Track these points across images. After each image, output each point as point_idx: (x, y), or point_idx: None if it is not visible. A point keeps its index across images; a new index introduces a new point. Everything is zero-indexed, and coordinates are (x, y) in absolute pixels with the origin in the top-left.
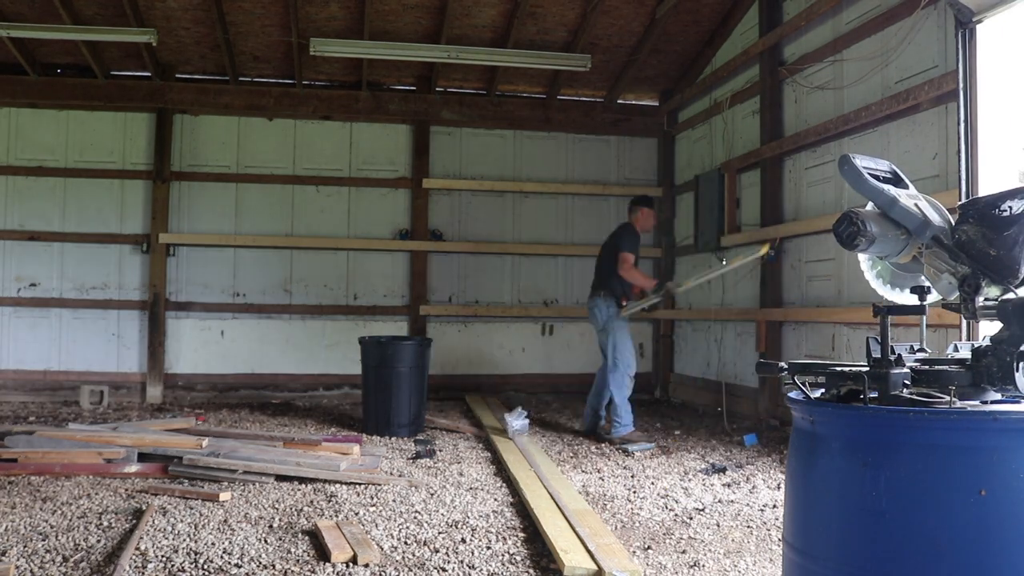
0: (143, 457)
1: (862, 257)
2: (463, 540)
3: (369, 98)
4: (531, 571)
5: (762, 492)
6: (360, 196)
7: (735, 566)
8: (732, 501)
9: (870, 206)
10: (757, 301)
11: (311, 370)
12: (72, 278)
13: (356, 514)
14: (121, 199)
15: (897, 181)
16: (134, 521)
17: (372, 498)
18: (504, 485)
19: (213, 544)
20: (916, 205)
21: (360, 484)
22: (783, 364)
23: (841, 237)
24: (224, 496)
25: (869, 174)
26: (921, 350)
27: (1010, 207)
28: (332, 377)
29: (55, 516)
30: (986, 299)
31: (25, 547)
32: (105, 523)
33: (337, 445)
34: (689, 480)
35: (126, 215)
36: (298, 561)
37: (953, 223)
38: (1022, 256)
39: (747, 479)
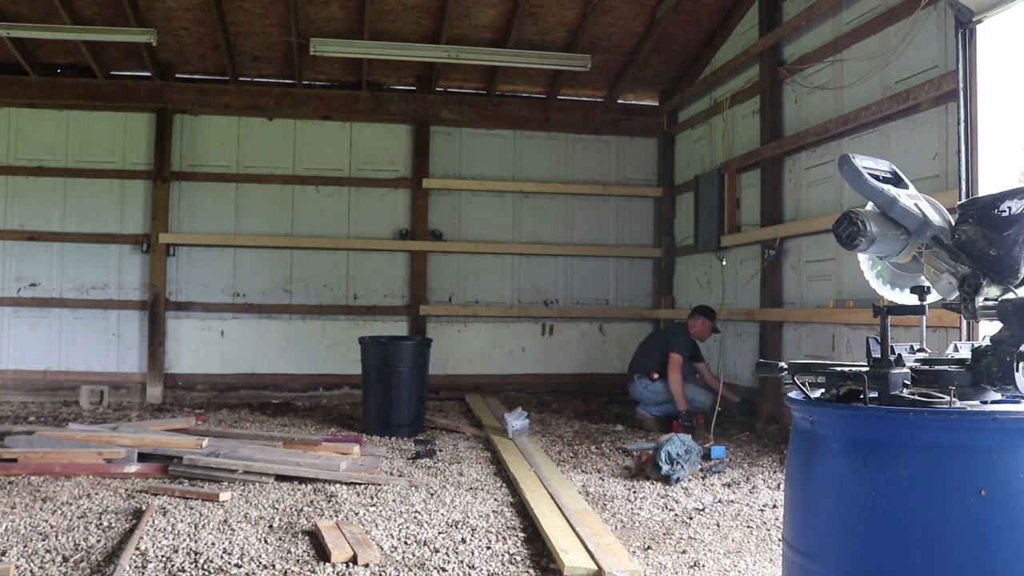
0: (143, 457)
1: (862, 257)
2: (463, 540)
3: (369, 98)
4: (531, 571)
5: (762, 492)
6: (360, 196)
7: (735, 566)
8: (732, 501)
9: (870, 206)
10: (757, 301)
11: (311, 370)
12: (72, 278)
13: (356, 514)
14: (121, 199)
15: (897, 181)
16: (134, 521)
17: (372, 498)
18: (504, 485)
19: (213, 544)
20: (916, 205)
21: (360, 484)
22: (783, 364)
23: (841, 237)
24: (224, 496)
25: (869, 174)
26: (921, 350)
27: (1009, 207)
28: (332, 377)
29: (55, 516)
30: (986, 299)
31: (25, 547)
32: (105, 523)
33: (337, 445)
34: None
35: (126, 215)
36: (298, 561)
37: (953, 223)
38: (1022, 256)
39: (747, 479)
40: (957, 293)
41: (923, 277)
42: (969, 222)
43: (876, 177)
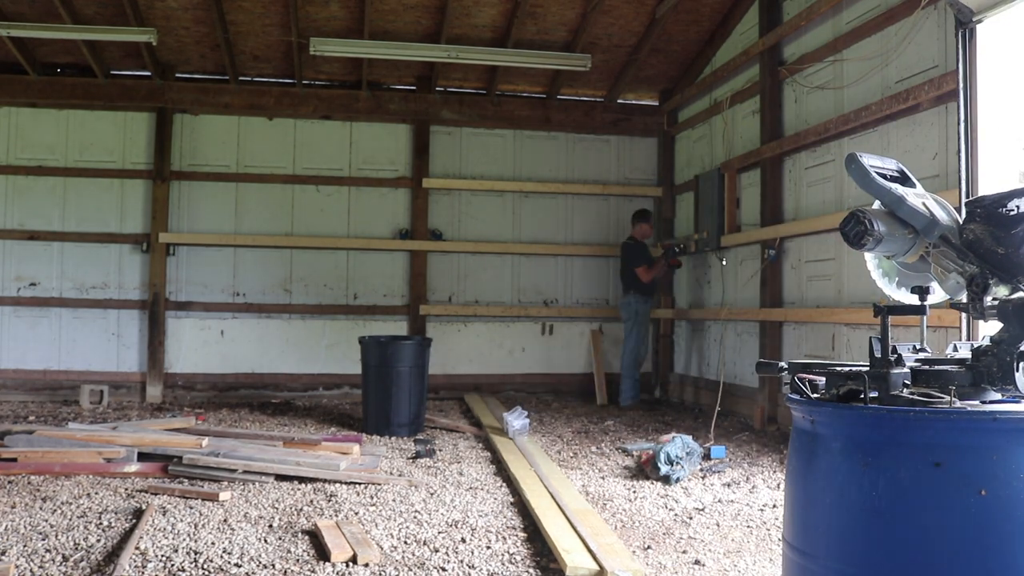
0: (143, 456)
1: (868, 256)
2: (463, 540)
3: (369, 98)
4: (531, 571)
5: (762, 492)
6: (360, 196)
7: (735, 566)
8: (732, 501)
9: (877, 205)
10: (757, 301)
11: (311, 370)
12: (72, 278)
13: (356, 514)
14: (121, 199)
15: (904, 180)
16: (134, 520)
17: (372, 498)
18: (504, 485)
19: (213, 543)
20: (924, 204)
21: (360, 484)
22: (783, 364)
23: (848, 236)
24: (224, 495)
25: (876, 173)
26: (922, 350)
27: (1017, 205)
28: (332, 377)
29: (55, 515)
30: (994, 298)
31: (25, 546)
32: (105, 522)
33: (337, 445)
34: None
35: (126, 215)
36: (298, 561)
37: (960, 222)
38: None
39: (747, 479)
40: (965, 292)
41: (930, 276)
42: (976, 221)
43: (883, 176)
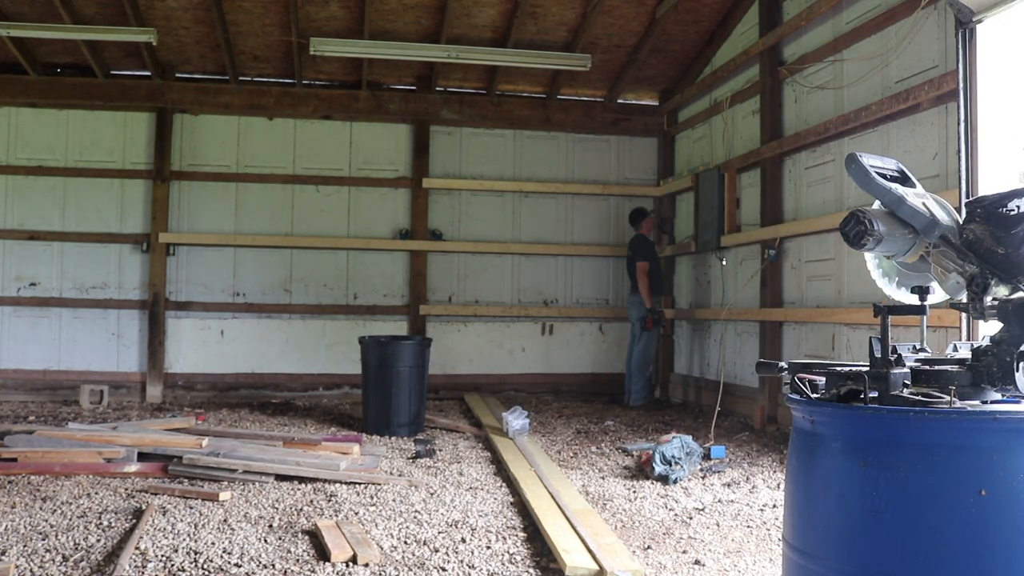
0: (143, 456)
1: (868, 256)
2: (463, 540)
3: (369, 98)
4: (531, 571)
5: (762, 492)
6: (360, 196)
7: (735, 566)
8: (732, 501)
9: (877, 205)
10: (757, 301)
11: (311, 370)
12: (72, 277)
13: (356, 514)
14: (121, 199)
15: (904, 180)
16: (134, 520)
17: (372, 498)
18: (504, 485)
19: (213, 543)
20: (924, 204)
21: (360, 484)
22: (783, 364)
23: (848, 236)
24: (224, 495)
25: (876, 173)
26: (922, 350)
27: (1017, 206)
28: (332, 377)
29: (55, 515)
30: (994, 298)
31: (25, 546)
32: (105, 522)
33: (337, 445)
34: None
35: (126, 215)
36: (298, 561)
37: (960, 222)
38: None
39: (747, 479)
40: (965, 292)
41: (930, 276)
42: (976, 221)
43: (883, 176)
